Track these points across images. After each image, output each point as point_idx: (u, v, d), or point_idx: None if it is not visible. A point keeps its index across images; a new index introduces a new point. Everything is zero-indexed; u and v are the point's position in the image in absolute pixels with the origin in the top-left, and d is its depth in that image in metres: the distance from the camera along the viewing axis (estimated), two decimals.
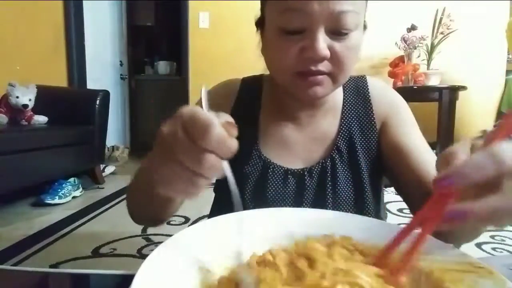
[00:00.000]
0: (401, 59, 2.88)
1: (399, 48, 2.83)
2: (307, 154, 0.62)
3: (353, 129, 0.63)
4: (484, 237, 1.65)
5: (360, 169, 0.61)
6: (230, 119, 0.30)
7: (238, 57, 2.92)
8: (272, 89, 0.66)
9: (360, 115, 0.64)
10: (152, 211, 0.53)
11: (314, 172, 0.61)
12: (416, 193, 0.55)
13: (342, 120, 0.63)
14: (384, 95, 0.65)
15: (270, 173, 0.61)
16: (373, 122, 0.63)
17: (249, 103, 0.66)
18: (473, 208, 0.25)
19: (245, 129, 0.64)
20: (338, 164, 0.61)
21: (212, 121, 0.27)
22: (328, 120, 0.64)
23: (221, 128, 0.28)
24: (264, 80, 0.69)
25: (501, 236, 1.68)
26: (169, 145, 0.29)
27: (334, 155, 0.61)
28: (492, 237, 1.66)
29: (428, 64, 2.82)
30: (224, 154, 0.28)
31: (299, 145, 0.63)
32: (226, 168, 0.30)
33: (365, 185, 0.61)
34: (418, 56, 2.84)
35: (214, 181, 0.70)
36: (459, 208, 0.25)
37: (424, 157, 0.56)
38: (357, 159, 0.61)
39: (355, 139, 0.62)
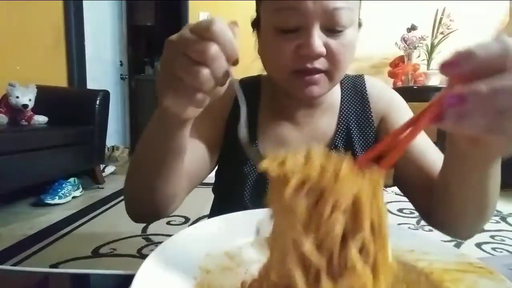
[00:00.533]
0: (401, 59, 2.88)
1: (399, 48, 2.83)
2: None
3: (351, 127, 0.63)
4: (484, 237, 1.65)
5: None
6: (234, 22, 0.33)
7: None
8: (270, 89, 0.66)
9: (358, 113, 0.64)
10: (152, 181, 0.47)
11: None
12: (418, 187, 0.55)
13: (340, 119, 0.64)
14: (381, 93, 0.65)
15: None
16: (370, 120, 0.63)
17: (248, 102, 0.66)
18: (476, 86, 0.22)
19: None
20: None
21: (216, 18, 0.30)
22: (326, 119, 0.64)
23: (225, 25, 0.30)
24: (262, 80, 0.69)
25: (501, 236, 1.68)
26: (179, 43, 0.32)
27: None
28: (492, 237, 1.66)
29: (428, 64, 2.82)
30: (228, 47, 0.30)
31: (297, 145, 0.63)
32: (235, 83, 0.34)
33: None
34: (418, 56, 2.84)
35: (214, 180, 0.69)
36: (459, 89, 0.23)
37: (424, 150, 0.56)
38: (355, 157, 0.61)
39: (353, 137, 0.62)
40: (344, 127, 0.63)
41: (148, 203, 0.50)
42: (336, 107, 0.65)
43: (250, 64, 0.64)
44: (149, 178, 0.47)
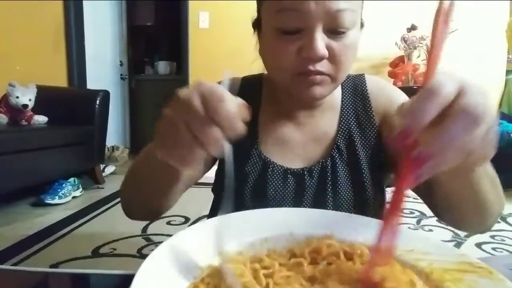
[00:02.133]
0: (401, 59, 2.88)
1: (399, 48, 2.83)
2: (307, 153, 0.62)
3: (352, 127, 0.63)
4: (484, 237, 1.65)
5: (360, 167, 0.61)
6: (247, 105, 0.32)
7: (238, 57, 2.92)
8: (271, 89, 0.66)
9: (359, 112, 0.64)
10: (149, 195, 0.51)
11: (314, 171, 0.61)
12: (424, 191, 0.55)
13: (341, 119, 0.63)
14: (382, 91, 0.65)
15: (270, 173, 0.61)
16: (372, 119, 0.63)
17: (249, 102, 0.66)
18: (433, 140, 0.26)
19: (246, 127, 0.64)
20: (338, 163, 0.61)
21: (228, 97, 0.29)
22: (327, 119, 0.64)
23: (235, 107, 0.29)
24: (263, 79, 0.69)
25: (501, 236, 1.68)
26: (181, 107, 0.30)
27: (334, 154, 0.61)
28: (492, 237, 1.66)
29: None
30: (229, 132, 0.29)
31: (298, 145, 0.63)
32: (227, 150, 0.30)
33: (366, 184, 0.60)
34: (418, 56, 2.84)
35: (214, 180, 0.69)
36: (421, 149, 0.26)
37: None
38: (357, 157, 0.61)
39: (354, 137, 0.62)
40: (346, 126, 0.63)
41: (143, 210, 0.56)
42: (337, 107, 0.65)
43: (251, 65, 0.64)
44: (145, 194, 0.52)
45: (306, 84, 0.52)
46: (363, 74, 0.67)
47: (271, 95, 0.66)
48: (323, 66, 0.51)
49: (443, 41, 0.29)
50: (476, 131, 0.26)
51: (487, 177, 0.43)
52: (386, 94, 0.64)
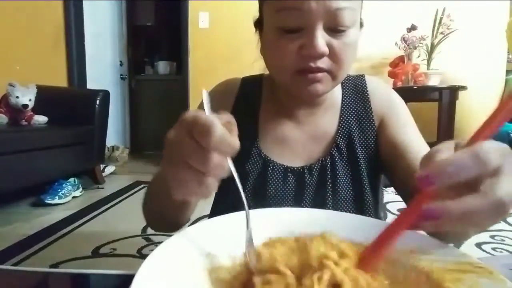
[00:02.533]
0: (401, 59, 2.88)
1: (399, 48, 2.83)
2: (307, 152, 0.63)
3: (352, 126, 0.63)
4: (484, 237, 1.65)
5: (359, 167, 0.61)
6: (231, 118, 0.32)
7: (238, 57, 2.92)
8: (272, 88, 0.66)
9: (359, 112, 0.64)
10: (170, 217, 0.53)
11: (314, 170, 0.61)
12: (413, 190, 0.55)
13: (341, 118, 0.64)
14: (382, 92, 0.66)
15: (270, 171, 0.61)
16: (371, 120, 0.63)
17: (249, 101, 0.66)
18: (449, 207, 0.25)
19: (245, 128, 0.64)
20: (338, 162, 0.61)
21: (213, 122, 0.29)
22: (327, 118, 0.64)
23: (222, 128, 0.29)
24: (264, 79, 0.69)
25: (501, 236, 1.68)
26: (176, 150, 0.31)
27: (333, 153, 0.61)
28: (492, 237, 1.66)
29: (428, 64, 2.82)
30: (227, 152, 0.30)
31: (299, 143, 0.63)
32: (230, 165, 0.31)
33: (365, 183, 0.61)
34: (418, 56, 2.84)
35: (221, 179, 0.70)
36: (434, 207, 0.25)
37: (421, 154, 0.56)
38: (356, 156, 0.62)
39: (354, 136, 0.63)
40: (345, 125, 0.63)
41: (165, 225, 0.60)
42: (337, 106, 0.65)
43: (252, 64, 0.64)
44: (161, 215, 0.55)
45: (307, 82, 0.53)
46: (363, 74, 0.68)
47: (271, 94, 0.66)
48: (323, 63, 0.51)
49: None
50: (496, 219, 0.25)
51: None
52: (386, 97, 0.65)
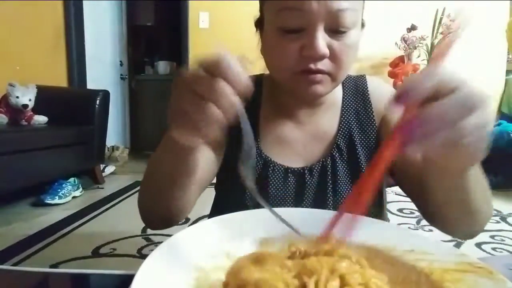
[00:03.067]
0: (401, 59, 2.88)
1: (399, 48, 2.83)
2: (307, 152, 0.63)
3: (352, 127, 0.63)
4: (484, 237, 1.65)
5: (360, 167, 0.61)
6: (244, 56, 0.32)
7: None
8: (272, 88, 0.66)
9: (360, 113, 0.64)
10: (165, 193, 0.49)
11: (315, 170, 0.61)
12: (417, 186, 0.55)
13: (342, 119, 0.64)
14: (383, 93, 0.65)
15: (271, 172, 0.61)
16: (372, 120, 0.63)
17: (248, 102, 0.66)
18: (429, 109, 0.27)
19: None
20: (339, 162, 0.61)
21: (225, 53, 0.31)
22: (328, 119, 0.64)
23: (234, 60, 0.31)
24: (264, 79, 0.69)
25: (501, 236, 1.68)
26: (188, 80, 0.32)
27: (334, 153, 0.61)
28: (492, 237, 1.66)
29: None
30: (235, 82, 0.30)
31: (299, 144, 0.63)
32: (240, 108, 0.32)
33: None
34: (418, 56, 2.84)
35: (215, 179, 0.69)
36: (420, 114, 0.27)
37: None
38: (357, 157, 0.61)
39: (354, 137, 0.62)
40: (346, 126, 0.63)
41: (161, 215, 0.54)
42: (338, 107, 0.65)
43: (251, 65, 0.64)
44: (161, 195, 0.50)
45: (307, 83, 0.53)
46: (364, 75, 0.68)
47: (272, 94, 0.66)
48: (324, 65, 0.51)
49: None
50: (468, 119, 0.27)
51: (478, 184, 0.42)
52: (387, 97, 0.64)
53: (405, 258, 0.35)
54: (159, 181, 0.50)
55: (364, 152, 0.62)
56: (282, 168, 0.61)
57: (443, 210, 0.47)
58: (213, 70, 0.30)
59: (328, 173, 0.60)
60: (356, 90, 0.66)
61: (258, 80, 0.69)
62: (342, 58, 0.51)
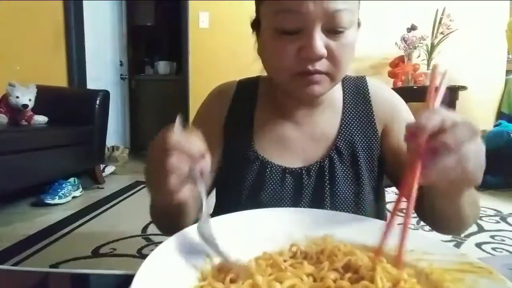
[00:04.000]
0: (401, 59, 2.88)
1: (399, 48, 2.83)
2: (305, 153, 0.62)
3: (354, 130, 0.63)
4: (484, 237, 1.65)
5: (359, 170, 0.61)
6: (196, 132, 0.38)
7: (238, 57, 2.92)
8: (269, 89, 0.66)
9: (361, 116, 0.64)
10: (171, 221, 0.53)
11: (312, 171, 0.61)
12: (419, 192, 0.55)
13: (343, 121, 0.63)
14: (385, 97, 0.65)
15: (268, 172, 0.61)
16: (373, 124, 0.63)
17: (244, 103, 0.66)
18: (439, 139, 0.33)
19: (241, 129, 0.64)
20: (337, 163, 0.61)
21: (170, 131, 0.36)
22: (326, 119, 0.64)
23: (180, 135, 0.36)
24: (260, 80, 0.69)
25: (501, 236, 1.68)
26: (152, 152, 0.38)
27: (332, 155, 0.61)
28: (492, 237, 1.66)
29: (428, 64, 2.82)
30: (191, 152, 0.36)
31: (297, 144, 0.63)
32: (195, 173, 0.36)
33: (364, 185, 0.60)
34: (418, 56, 2.84)
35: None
36: (429, 145, 0.33)
37: None
38: (357, 159, 0.61)
39: (355, 140, 0.62)
40: (347, 128, 0.63)
41: (175, 230, 0.56)
42: (337, 108, 0.65)
43: (250, 65, 0.64)
44: (167, 223, 0.55)
45: (305, 83, 0.53)
46: (365, 76, 0.68)
47: (269, 95, 0.66)
48: (322, 65, 0.51)
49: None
50: (469, 144, 0.34)
51: (470, 199, 0.48)
52: (388, 102, 0.65)
53: (405, 258, 0.35)
54: (161, 212, 0.54)
55: (365, 155, 0.62)
56: (279, 169, 0.61)
57: (436, 216, 0.52)
58: (164, 144, 0.36)
59: (326, 174, 0.60)
60: (357, 92, 0.65)
61: (254, 82, 0.69)
62: (339, 58, 0.51)
